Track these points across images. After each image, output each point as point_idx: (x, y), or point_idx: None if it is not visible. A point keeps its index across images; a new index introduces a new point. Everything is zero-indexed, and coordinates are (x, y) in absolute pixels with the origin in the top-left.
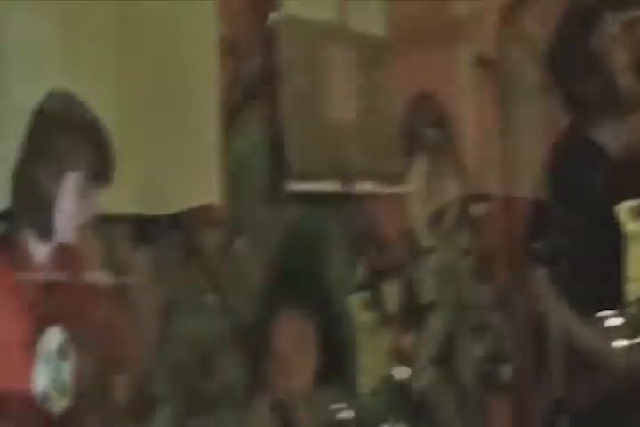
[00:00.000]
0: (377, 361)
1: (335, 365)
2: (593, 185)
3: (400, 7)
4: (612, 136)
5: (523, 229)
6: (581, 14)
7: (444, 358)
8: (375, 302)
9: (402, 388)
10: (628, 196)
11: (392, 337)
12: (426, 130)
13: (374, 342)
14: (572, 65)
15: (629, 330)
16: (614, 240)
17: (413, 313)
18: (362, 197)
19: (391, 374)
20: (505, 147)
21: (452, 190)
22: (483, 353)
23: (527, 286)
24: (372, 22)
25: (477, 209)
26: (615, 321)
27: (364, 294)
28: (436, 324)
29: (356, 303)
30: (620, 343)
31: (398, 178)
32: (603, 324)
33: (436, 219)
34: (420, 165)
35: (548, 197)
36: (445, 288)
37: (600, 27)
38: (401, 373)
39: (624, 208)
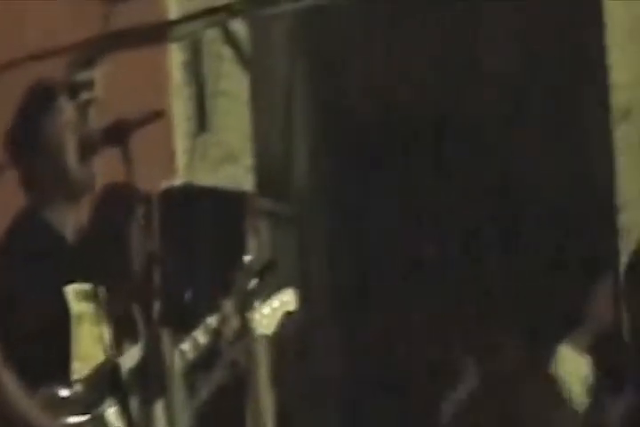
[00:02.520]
0: None
1: None
2: (46, 266)
3: None
4: (64, 219)
5: None
6: (38, 97)
7: None
8: None
9: None
10: (77, 279)
11: None
12: None
13: None
14: (27, 145)
15: (75, 407)
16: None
17: None
18: None
19: None
20: None
21: None
22: None
23: None
24: None
25: None
26: (62, 397)
27: None
28: None
29: None
30: (68, 420)
31: None
32: (50, 400)
33: None
34: None
35: None
36: None
37: (55, 110)
38: None
39: (71, 290)
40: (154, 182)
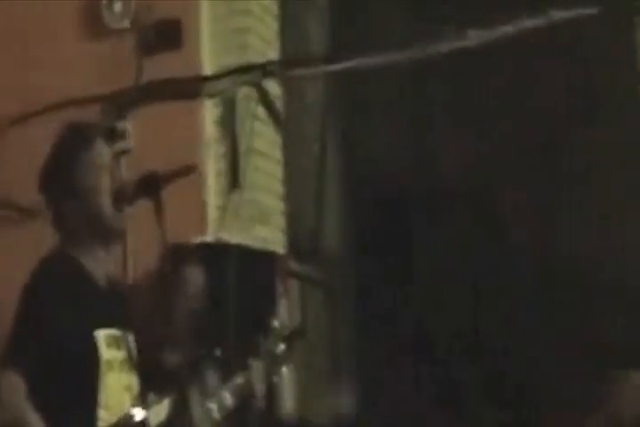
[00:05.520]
0: None
1: None
2: (73, 310)
3: None
4: (96, 263)
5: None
6: (75, 138)
7: None
8: None
9: None
10: (107, 324)
11: None
12: None
13: None
14: (61, 188)
15: None
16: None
17: None
18: None
19: None
20: None
21: None
22: None
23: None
24: None
25: None
26: None
27: None
28: None
29: None
30: None
31: None
32: None
33: None
34: None
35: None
36: None
37: (90, 155)
38: None
39: (102, 336)
40: (185, 237)
